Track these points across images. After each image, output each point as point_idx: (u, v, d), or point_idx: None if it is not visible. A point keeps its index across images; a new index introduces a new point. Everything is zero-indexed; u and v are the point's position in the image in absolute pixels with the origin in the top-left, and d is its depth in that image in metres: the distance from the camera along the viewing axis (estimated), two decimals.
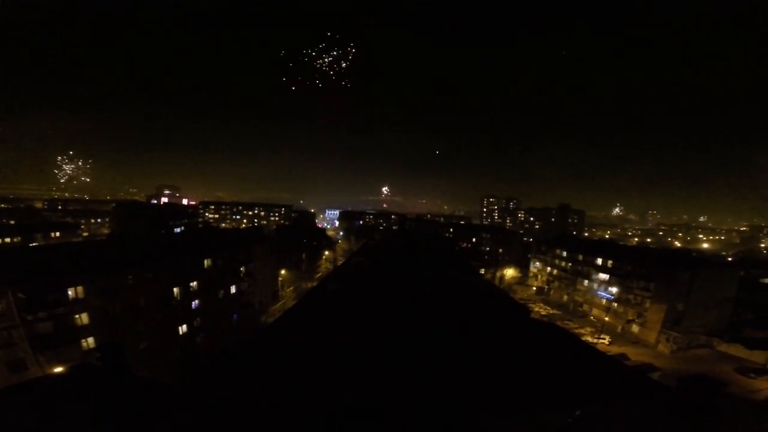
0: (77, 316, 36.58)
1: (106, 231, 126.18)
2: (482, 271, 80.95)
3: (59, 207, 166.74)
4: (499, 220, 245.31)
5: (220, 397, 11.53)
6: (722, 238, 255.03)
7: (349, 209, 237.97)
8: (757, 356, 54.31)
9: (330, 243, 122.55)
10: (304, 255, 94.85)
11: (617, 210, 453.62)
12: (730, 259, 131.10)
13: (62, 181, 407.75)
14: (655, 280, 64.73)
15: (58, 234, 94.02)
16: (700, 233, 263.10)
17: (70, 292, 36.11)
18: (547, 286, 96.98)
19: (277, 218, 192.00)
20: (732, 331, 62.40)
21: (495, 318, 27.33)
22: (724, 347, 59.22)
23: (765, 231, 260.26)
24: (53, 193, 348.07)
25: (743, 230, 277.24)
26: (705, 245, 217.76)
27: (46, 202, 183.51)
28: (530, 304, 79.90)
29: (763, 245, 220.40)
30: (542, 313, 79.01)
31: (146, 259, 45.45)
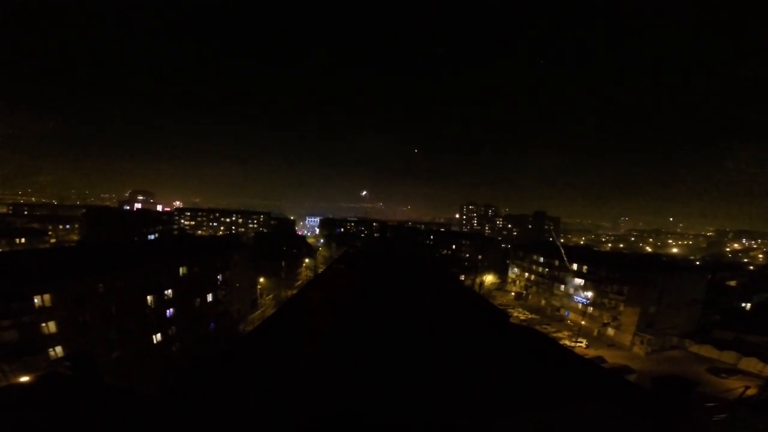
0: (44, 324, 35.00)
1: (75, 237, 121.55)
2: (462, 278, 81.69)
3: (25, 212, 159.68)
4: (478, 227, 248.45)
5: (197, 407, 11.17)
6: (690, 242, 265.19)
7: (330, 216, 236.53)
8: (727, 356, 56.33)
9: (310, 250, 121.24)
10: (283, 263, 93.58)
11: (591, 217, 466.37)
12: (697, 263, 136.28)
13: (29, 184, 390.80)
14: (629, 284, 66.61)
15: (23, 240, 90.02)
16: (670, 238, 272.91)
17: (36, 300, 34.56)
18: (525, 292, 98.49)
19: (255, 225, 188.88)
20: (702, 332, 64.69)
21: (476, 323, 27.51)
22: (695, 348, 61.23)
23: (730, 236, 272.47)
24: (18, 197, 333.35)
25: (710, 235, 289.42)
26: (674, 250, 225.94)
27: (10, 207, 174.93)
28: (509, 310, 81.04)
29: (728, 249, 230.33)
30: (521, 318, 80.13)
31: (117, 267, 43.94)
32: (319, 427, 10.39)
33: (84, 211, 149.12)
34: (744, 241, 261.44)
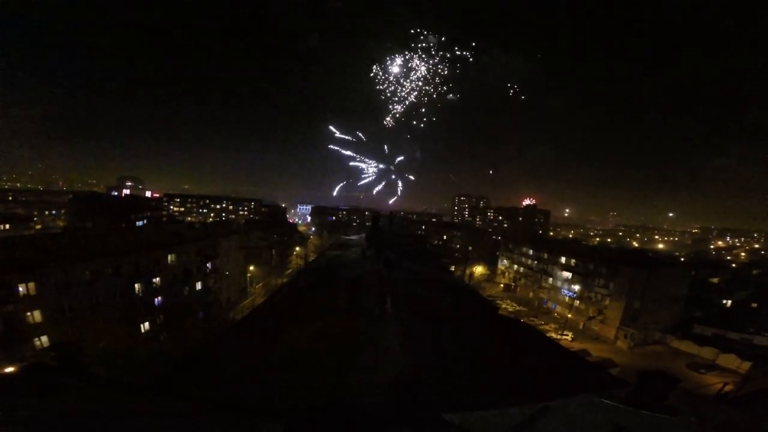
0: (29, 313, 34.57)
1: (61, 224, 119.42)
2: (453, 268, 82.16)
3: (9, 197, 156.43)
4: (469, 219, 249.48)
5: (185, 397, 11.15)
6: (675, 239, 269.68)
7: (322, 204, 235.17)
8: (706, 352, 57.72)
9: (301, 238, 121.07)
10: (273, 251, 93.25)
11: (580, 211, 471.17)
12: (682, 259, 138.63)
13: (13, 170, 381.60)
14: (614, 279, 67.74)
15: (7, 226, 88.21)
16: (656, 234, 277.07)
17: (21, 289, 34.06)
18: (514, 284, 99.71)
19: (246, 212, 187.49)
20: (683, 328, 66.15)
21: (465, 314, 27.79)
22: (676, 343, 62.67)
23: (714, 233, 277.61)
24: (2, 182, 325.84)
25: (695, 232, 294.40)
26: (660, 246, 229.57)
27: None
28: (498, 301, 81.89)
29: (712, 247, 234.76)
30: (509, 309, 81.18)
31: (104, 254, 43.41)
32: (307, 418, 10.49)
33: (71, 197, 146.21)
34: (728, 238, 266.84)
